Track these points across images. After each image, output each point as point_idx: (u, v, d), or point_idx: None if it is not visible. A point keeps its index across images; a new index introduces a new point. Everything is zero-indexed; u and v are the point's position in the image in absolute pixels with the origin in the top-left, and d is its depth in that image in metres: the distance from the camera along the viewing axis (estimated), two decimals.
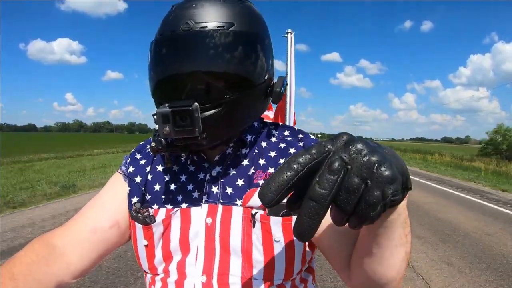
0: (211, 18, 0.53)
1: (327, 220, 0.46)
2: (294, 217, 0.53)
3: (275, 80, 0.62)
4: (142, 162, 0.66)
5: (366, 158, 0.30)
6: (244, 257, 0.56)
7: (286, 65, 3.08)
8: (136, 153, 0.68)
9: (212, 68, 0.51)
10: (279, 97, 0.60)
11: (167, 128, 0.49)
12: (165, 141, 0.53)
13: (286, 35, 3.33)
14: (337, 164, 0.30)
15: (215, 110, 0.52)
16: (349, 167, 0.30)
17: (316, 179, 0.30)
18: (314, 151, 0.31)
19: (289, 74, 2.95)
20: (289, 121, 2.84)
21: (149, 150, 0.66)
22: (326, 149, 0.31)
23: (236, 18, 0.54)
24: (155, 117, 0.51)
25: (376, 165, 0.30)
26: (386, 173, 0.30)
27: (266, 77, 0.58)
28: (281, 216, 0.56)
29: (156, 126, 0.51)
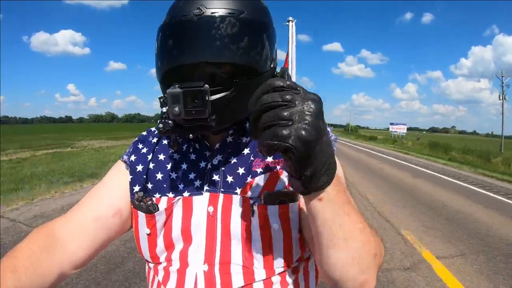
0: (222, 5, 0.53)
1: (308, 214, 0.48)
2: (290, 205, 0.56)
3: (278, 70, 0.62)
4: (144, 151, 0.66)
5: (307, 115, 0.38)
6: (244, 246, 0.57)
7: (287, 53, 3.13)
8: (139, 143, 0.68)
9: (223, 54, 0.52)
10: None
11: (176, 108, 0.49)
12: (173, 122, 0.52)
13: (287, 23, 3.37)
14: (288, 97, 0.38)
15: (224, 93, 0.53)
16: (293, 106, 0.38)
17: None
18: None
19: (290, 62, 3.01)
20: None
21: (152, 139, 0.67)
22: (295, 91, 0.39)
23: (245, 5, 0.55)
24: (164, 99, 0.53)
25: (304, 121, 0.37)
26: (303, 132, 0.37)
27: (272, 65, 0.59)
28: (278, 204, 0.56)
29: (164, 109, 0.52)
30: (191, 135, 0.55)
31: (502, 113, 24.61)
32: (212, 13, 0.53)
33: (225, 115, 0.55)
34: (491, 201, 6.03)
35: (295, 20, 3.42)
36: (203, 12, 0.53)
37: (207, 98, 0.49)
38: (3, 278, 0.49)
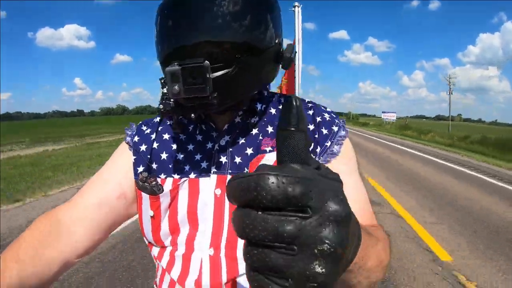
0: None
1: None
2: None
3: (284, 46, 0.59)
4: (148, 131, 0.65)
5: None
6: None
7: (293, 38, 3.11)
8: (143, 125, 0.67)
9: (225, 31, 0.50)
10: (289, 63, 0.58)
11: (176, 87, 0.46)
12: (174, 103, 0.50)
13: (293, 8, 3.32)
14: (281, 260, 0.21)
15: (226, 70, 0.50)
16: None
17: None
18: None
19: (296, 48, 2.99)
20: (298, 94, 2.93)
21: (155, 119, 0.66)
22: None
23: None
24: (164, 79, 0.50)
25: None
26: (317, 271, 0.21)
27: (276, 41, 0.56)
28: None
29: (164, 90, 0.50)
30: (192, 115, 0.51)
31: None
32: None
33: (228, 93, 0.52)
34: (421, 159, 10.02)
35: (301, 5, 3.38)
36: None
37: (207, 75, 0.46)
38: (7, 268, 0.49)
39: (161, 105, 0.50)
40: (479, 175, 7.29)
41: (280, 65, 0.59)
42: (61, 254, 0.55)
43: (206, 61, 0.46)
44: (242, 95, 0.56)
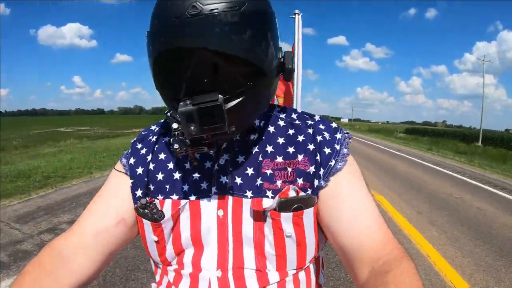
0: None
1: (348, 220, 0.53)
2: (305, 211, 0.53)
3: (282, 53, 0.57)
4: (143, 151, 0.62)
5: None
6: (257, 249, 0.55)
7: (293, 47, 3.06)
8: (137, 143, 0.64)
9: (234, 53, 0.45)
10: (291, 74, 0.56)
11: (192, 127, 0.45)
12: (190, 141, 0.48)
13: (293, 16, 3.28)
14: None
15: (239, 99, 0.48)
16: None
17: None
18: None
19: (296, 56, 2.93)
20: (297, 105, 2.86)
21: (151, 138, 0.63)
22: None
23: None
24: (172, 113, 0.48)
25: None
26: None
27: (279, 57, 0.54)
28: (292, 211, 0.53)
29: (174, 125, 0.47)
30: (211, 151, 0.53)
31: None
32: (211, 10, 0.44)
33: (243, 120, 0.52)
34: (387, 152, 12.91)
35: (302, 13, 3.33)
36: (201, 10, 0.44)
37: (224, 113, 0.45)
38: None
39: (176, 145, 0.48)
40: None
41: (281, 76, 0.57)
42: (65, 285, 0.54)
43: (220, 96, 0.45)
44: (254, 119, 0.57)
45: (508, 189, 6.17)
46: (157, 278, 0.62)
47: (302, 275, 0.58)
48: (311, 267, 0.60)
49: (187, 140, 0.48)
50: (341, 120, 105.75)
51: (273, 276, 0.55)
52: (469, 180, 6.91)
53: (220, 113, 0.45)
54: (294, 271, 0.56)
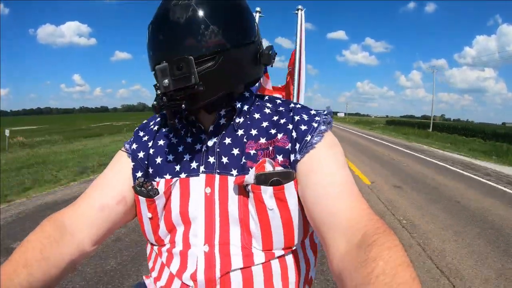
0: None
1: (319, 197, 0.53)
2: (286, 185, 0.56)
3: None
4: (145, 138, 0.69)
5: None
6: (242, 227, 0.58)
7: (295, 42, 3.01)
8: (139, 131, 0.71)
9: (204, 32, 0.55)
10: (269, 59, 0.64)
11: (166, 81, 0.53)
12: (166, 99, 0.55)
13: (296, 12, 3.22)
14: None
15: (209, 63, 0.56)
16: None
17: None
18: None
19: (298, 52, 2.88)
20: (300, 100, 2.80)
21: (153, 127, 0.70)
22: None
23: None
24: (156, 77, 0.55)
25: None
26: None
27: (254, 39, 0.62)
28: (270, 185, 0.56)
29: (158, 91, 0.55)
30: (183, 105, 0.56)
31: None
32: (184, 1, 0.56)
33: (212, 82, 0.57)
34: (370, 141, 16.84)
35: (305, 9, 3.28)
36: (180, 1, 0.56)
37: (192, 66, 0.53)
38: (17, 274, 0.51)
39: (154, 102, 0.56)
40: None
41: (262, 66, 0.65)
42: (67, 256, 0.57)
43: (191, 56, 0.54)
44: (226, 87, 0.60)
45: (416, 149, 12.95)
46: (150, 264, 0.66)
47: (290, 260, 0.59)
48: (300, 255, 0.61)
49: (164, 98, 0.55)
50: (338, 114, 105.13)
51: (259, 256, 0.57)
52: (395, 146, 13.56)
53: (187, 64, 0.53)
54: (282, 252, 0.58)
